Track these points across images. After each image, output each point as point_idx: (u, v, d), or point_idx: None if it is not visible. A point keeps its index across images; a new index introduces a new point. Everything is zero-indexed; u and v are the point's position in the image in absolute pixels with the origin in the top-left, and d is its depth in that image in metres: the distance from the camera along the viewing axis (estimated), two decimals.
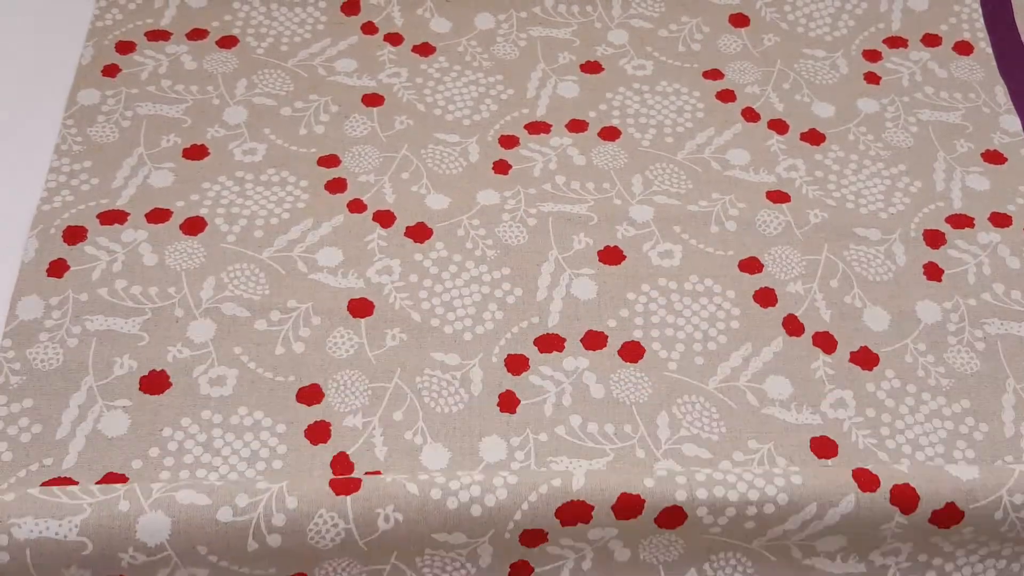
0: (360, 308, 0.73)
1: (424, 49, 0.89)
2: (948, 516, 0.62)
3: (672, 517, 0.61)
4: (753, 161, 0.83)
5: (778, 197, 0.80)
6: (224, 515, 0.59)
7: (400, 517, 0.60)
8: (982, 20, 0.93)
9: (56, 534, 0.58)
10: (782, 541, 0.63)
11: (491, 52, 0.89)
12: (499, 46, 0.90)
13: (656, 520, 0.61)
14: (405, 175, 0.80)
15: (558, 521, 0.61)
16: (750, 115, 0.86)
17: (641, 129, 0.84)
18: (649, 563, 0.64)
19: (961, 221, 0.80)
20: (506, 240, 0.77)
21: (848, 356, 0.73)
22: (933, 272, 0.77)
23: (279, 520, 0.60)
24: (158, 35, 0.88)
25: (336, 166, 0.80)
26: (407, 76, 0.87)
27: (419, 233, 0.77)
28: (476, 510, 0.60)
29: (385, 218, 0.78)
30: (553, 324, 0.73)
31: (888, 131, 0.85)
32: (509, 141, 0.83)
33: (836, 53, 0.91)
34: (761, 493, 0.61)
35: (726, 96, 0.87)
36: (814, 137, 0.84)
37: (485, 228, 0.77)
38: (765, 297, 0.75)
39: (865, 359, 0.73)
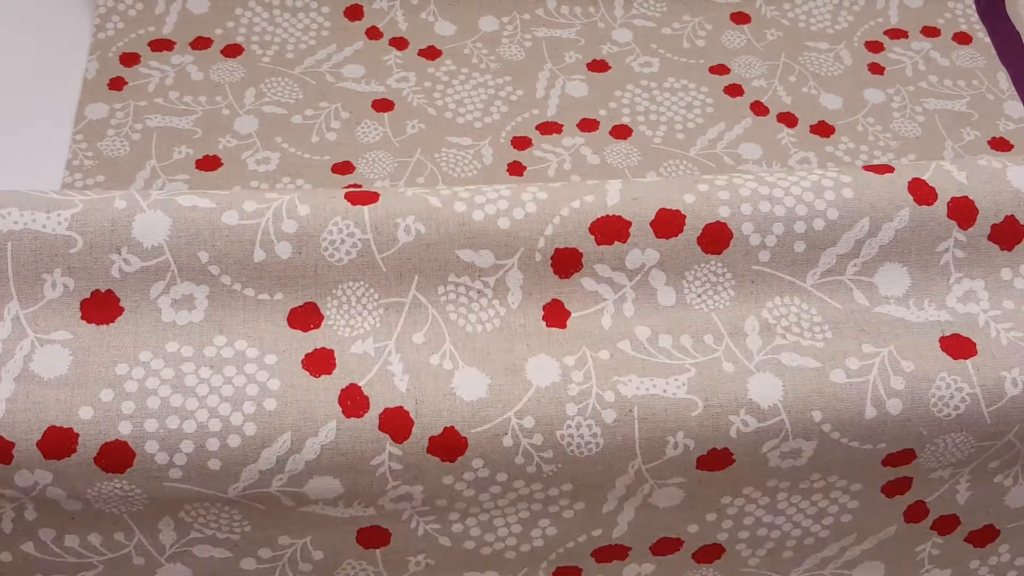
0: None
1: (430, 53, 0.89)
2: (1009, 230, 0.59)
3: (715, 237, 0.57)
4: (765, 155, 0.83)
5: None
6: (230, 218, 0.54)
7: (422, 228, 0.56)
8: (976, 15, 0.94)
9: (44, 227, 0.53)
10: (837, 276, 0.58)
11: (497, 54, 0.89)
12: (504, 48, 0.90)
13: (699, 241, 0.57)
14: (420, 179, 0.80)
15: (593, 238, 0.56)
16: (759, 109, 0.86)
17: (652, 126, 0.85)
18: (698, 308, 0.58)
19: None
20: None
21: None
22: None
23: (290, 227, 0.55)
24: (162, 45, 0.87)
25: (351, 172, 0.80)
26: (415, 80, 0.87)
27: None
28: (504, 223, 0.56)
29: None
30: None
31: (895, 121, 0.86)
32: (522, 142, 0.83)
33: (839, 45, 0.91)
34: (809, 208, 0.57)
35: (734, 91, 0.87)
36: (824, 129, 0.85)
37: None
38: None
39: None
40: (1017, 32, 0.93)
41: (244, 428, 0.53)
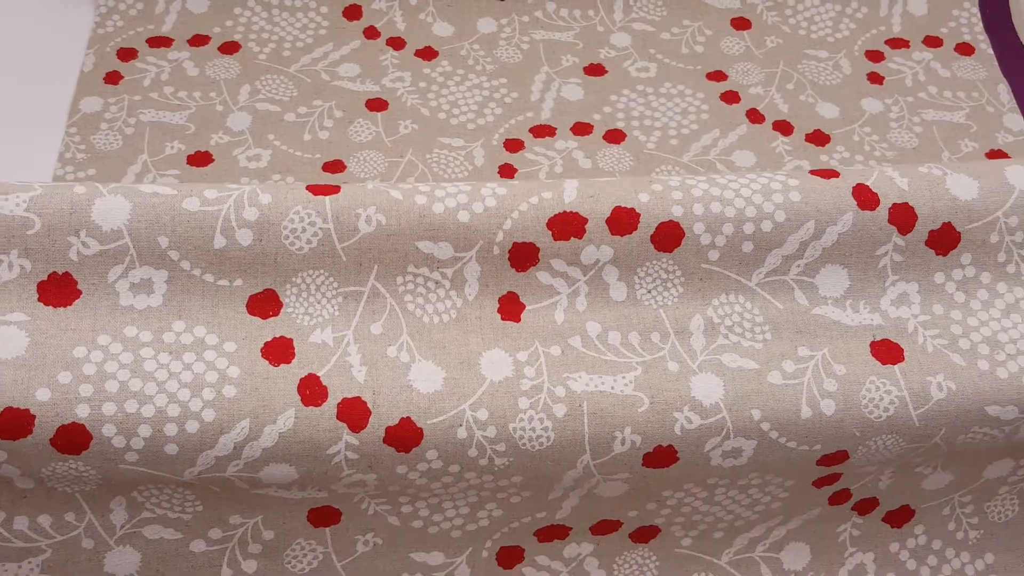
0: None
1: (427, 53, 0.89)
2: (945, 237, 0.61)
3: (668, 235, 0.58)
4: (759, 163, 0.83)
5: None
6: (191, 204, 0.54)
7: (382, 219, 0.56)
8: (981, 24, 0.93)
9: (0, 208, 0.53)
10: (781, 276, 0.60)
11: (494, 55, 0.89)
12: (502, 49, 0.89)
13: (652, 238, 0.58)
14: (411, 180, 0.80)
15: (550, 233, 0.57)
16: (755, 116, 0.86)
17: (646, 132, 0.84)
18: (647, 304, 0.59)
19: None
20: None
21: None
22: None
23: (251, 214, 0.55)
24: (160, 41, 0.87)
25: (341, 171, 0.80)
26: (410, 80, 0.86)
27: None
28: (464, 216, 0.57)
29: None
30: None
31: (893, 131, 0.85)
32: (514, 145, 0.83)
33: (839, 54, 0.91)
34: (759, 209, 0.59)
35: (730, 97, 0.87)
36: (819, 138, 0.84)
37: None
38: None
39: None
40: (1021, 43, 0.93)
41: (203, 414, 0.53)
